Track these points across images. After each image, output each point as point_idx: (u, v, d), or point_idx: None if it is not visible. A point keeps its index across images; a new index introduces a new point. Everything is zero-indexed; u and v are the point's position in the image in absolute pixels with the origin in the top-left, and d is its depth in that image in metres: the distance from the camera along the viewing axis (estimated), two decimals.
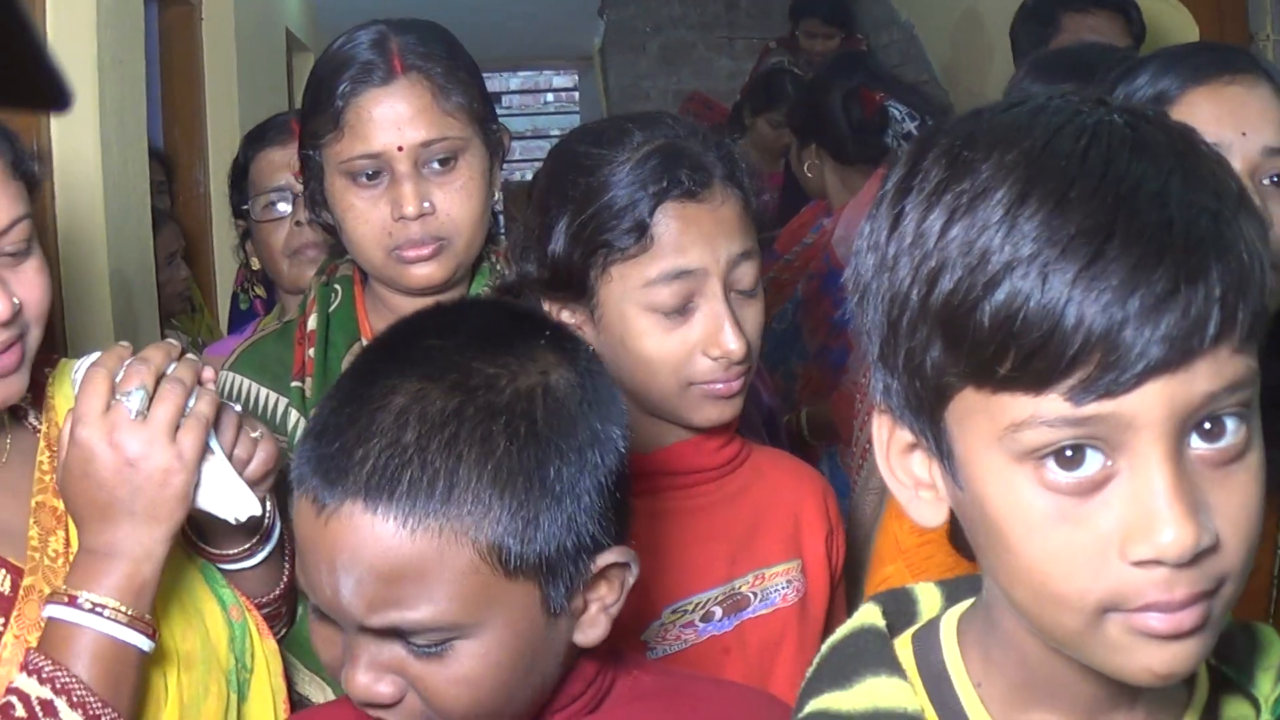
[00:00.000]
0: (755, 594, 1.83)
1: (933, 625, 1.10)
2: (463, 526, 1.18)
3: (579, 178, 1.78)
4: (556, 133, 12.35)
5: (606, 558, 1.27)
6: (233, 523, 1.64)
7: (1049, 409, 0.88)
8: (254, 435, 1.67)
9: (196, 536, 1.73)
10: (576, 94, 12.33)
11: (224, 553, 1.74)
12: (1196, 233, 0.88)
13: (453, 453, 1.19)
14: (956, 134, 0.96)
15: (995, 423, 0.91)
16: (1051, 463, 0.90)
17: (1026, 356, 0.88)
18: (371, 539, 1.18)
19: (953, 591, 1.13)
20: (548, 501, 1.21)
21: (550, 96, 13.00)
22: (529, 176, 6.71)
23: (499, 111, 2.28)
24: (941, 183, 0.93)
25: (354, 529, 1.18)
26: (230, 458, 1.63)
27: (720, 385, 1.76)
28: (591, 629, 1.30)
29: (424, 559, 1.18)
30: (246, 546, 1.74)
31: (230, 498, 1.61)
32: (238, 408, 1.71)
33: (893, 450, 1.03)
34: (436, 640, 1.20)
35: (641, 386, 1.77)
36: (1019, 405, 0.89)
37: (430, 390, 1.21)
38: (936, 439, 0.97)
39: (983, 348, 0.89)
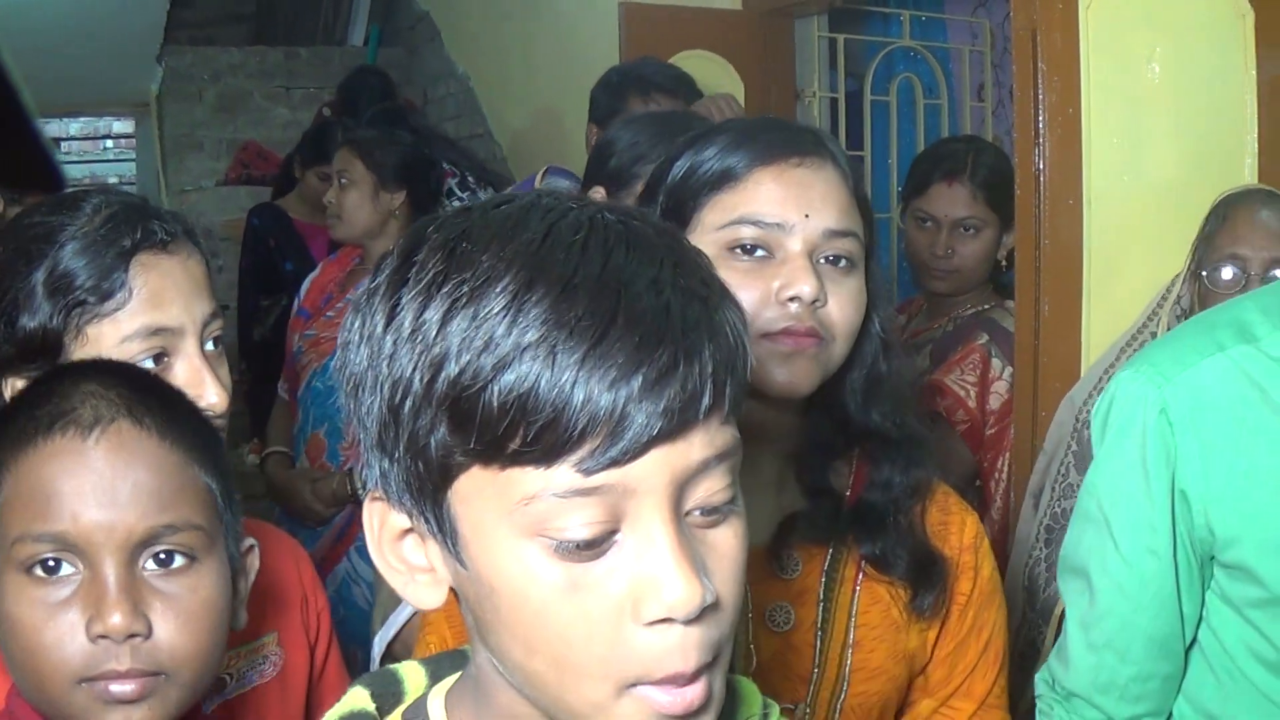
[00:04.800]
0: (230, 676, 1.78)
1: (420, 703, 1.09)
2: None
3: (41, 246, 1.69)
4: (115, 179, 11.77)
5: None
6: None
7: (560, 481, 0.90)
8: None
9: None
10: (135, 140, 11.71)
11: None
12: (691, 316, 0.93)
13: None
14: (450, 229, 0.97)
15: (505, 498, 0.92)
16: (554, 530, 0.91)
17: (538, 433, 0.89)
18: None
19: (436, 668, 1.13)
20: None
21: (110, 143, 12.36)
22: None
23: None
24: (440, 274, 0.93)
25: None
26: None
27: None
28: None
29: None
30: None
31: None
32: None
33: (385, 538, 1.02)
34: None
35: None
36: (529, 479, 0.90)
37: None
38: (438, 520, 0.96)
39: (491, 428, 0.90)
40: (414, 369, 0.92)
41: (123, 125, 12.11)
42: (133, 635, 1.33)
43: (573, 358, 0.89)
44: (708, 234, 1.59)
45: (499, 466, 0.91)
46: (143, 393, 1.42)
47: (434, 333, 0.92)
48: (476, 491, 0.93)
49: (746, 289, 1.53)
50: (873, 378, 1.68)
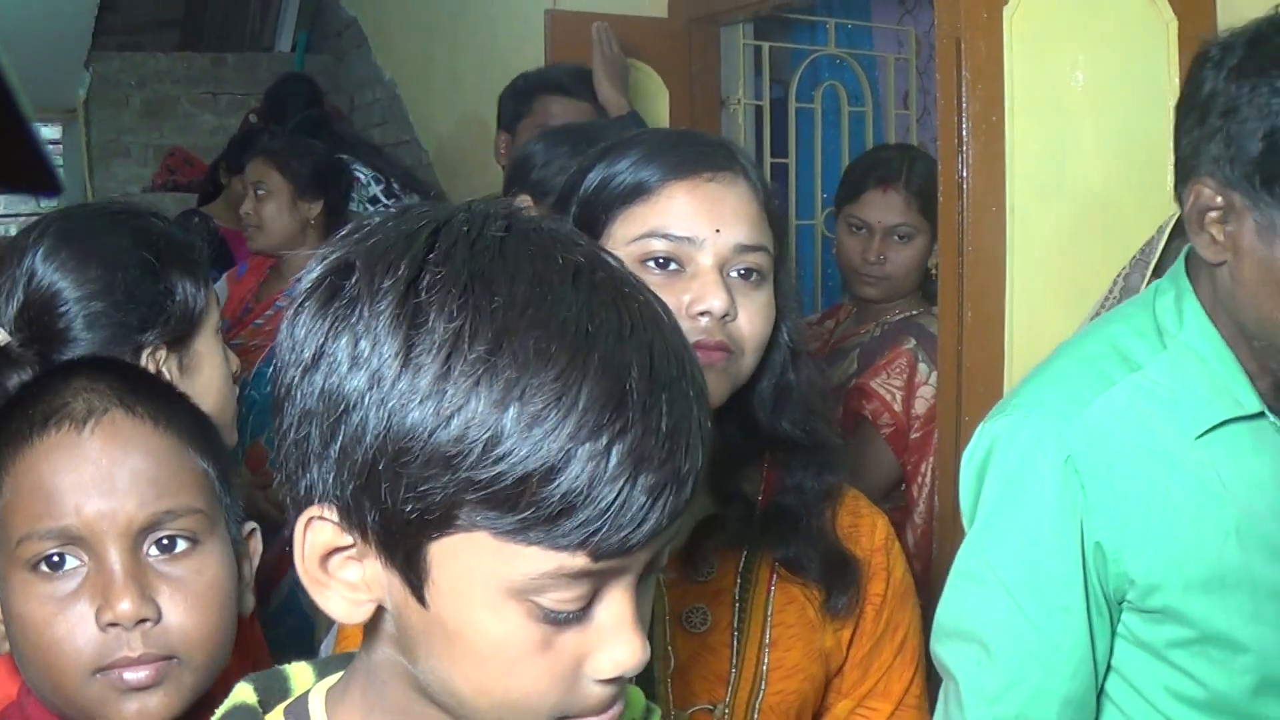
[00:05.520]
0: None
1: (303, 700, 1.10)
2: None
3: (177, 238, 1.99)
4: None
5: None
6: None
7: (574, 564, 0.92)
8: None
9: None
10: (62, 146, 11.55)
11: None
12: (704, 419, 0.98)
13: None
14: (457, 261, 0.94)
15: (507, 566, 0.92)
16: (547, 600, 0.94)
17: (575, 527, 0.91)
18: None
19: (324, 668, 1.15)
20: None
21: None
22: (11, 231, 6.29)
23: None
24: (462, 332, 0.91)
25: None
26: None
27: None
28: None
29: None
30: None
31: None
32: None
33: (316, 553, 0.99)
34: None
35: None
36: (545, 558, 0.92)
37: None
38: (409, 559, 0.95)
39: (521, 512, 0.90)
40: (437, 429, 0.91)
41: (50, 131, 11.89)
42: (142, 620, 1.34)
43: (625, 465, 0.91)
44: (619, 247, 1.59)
45: (515, 542, 0.92)
46: (133, 383, 1.44)
47: (461, 402, 0.90)
48: (472, 551, 0.93)
49: None
50: (781, 387, 1.71)
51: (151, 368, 1.81)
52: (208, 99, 7.93)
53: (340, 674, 1.11)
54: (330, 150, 4.03)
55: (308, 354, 0.96)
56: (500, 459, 0.90)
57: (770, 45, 4.77)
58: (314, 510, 0.97)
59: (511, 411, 0.89)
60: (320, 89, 5.91)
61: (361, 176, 4.29)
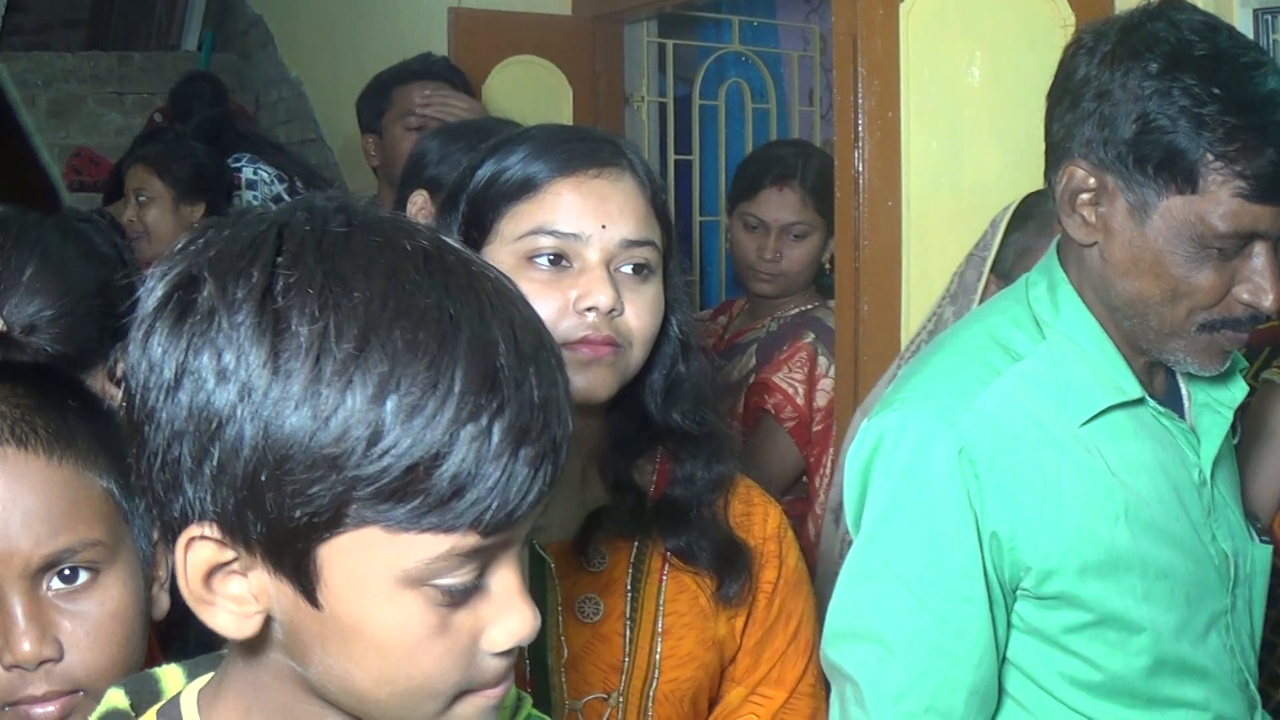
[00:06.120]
0: None
1: (174, 701, 1.10)
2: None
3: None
4: None
5: None
6: None
7: (465, 544, 0.93)
8: None
9: None
10: None
11: None
12: (566, 386, 0.99)
13: None
14: (307, 263, 0.93)
15: (400, 556, 0.93)
16: (441, 583, 0.94)
17: (467, 508, 0.92)
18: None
19: (194, 669, 1.13)
20: None
21: None
22: None
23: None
24: (325, 333, 0.91)
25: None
26: None
27: None
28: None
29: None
30: None
31: None
32: None
33: (199, 573, 0.97)
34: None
35: None
36: (438, 542, 0.92)
37: None
38: (296, 564, 0.94)
39: (410, 500, 0.91)
40: (317, 432, 0.90)
41: None
42: (45, 661, 1.30)
43: (507, 440, 0.92)
44: (506, 245, 1.60)
45: (407, 531, 0.92)
46: (25, 407, 1.36)
47: (337, 402, 0.90)
48: (363, 547, 0.93)
49: (544, 299, 1.55)
50: (672, 378, 1.72)
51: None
52: (114, 98, 7.79)
53: (210, 676, 1.10)
54: (214, 151, 4.00)
55: (168, 374, 0.94)
56: (385, 453, 0.90)
57: (674, 43, 4.78)
58: (193, 530, 0.96)
59: (389, 404, 0.90)
60: (224, 88, 5.85)
61: (265, 175, 4.26)
